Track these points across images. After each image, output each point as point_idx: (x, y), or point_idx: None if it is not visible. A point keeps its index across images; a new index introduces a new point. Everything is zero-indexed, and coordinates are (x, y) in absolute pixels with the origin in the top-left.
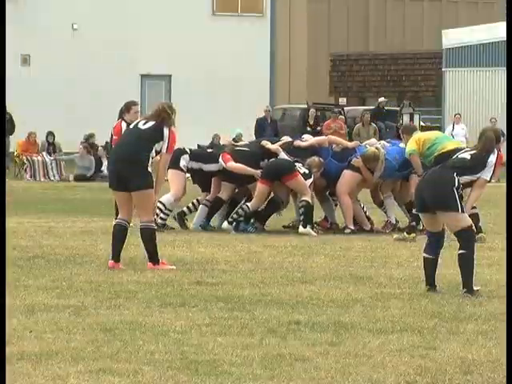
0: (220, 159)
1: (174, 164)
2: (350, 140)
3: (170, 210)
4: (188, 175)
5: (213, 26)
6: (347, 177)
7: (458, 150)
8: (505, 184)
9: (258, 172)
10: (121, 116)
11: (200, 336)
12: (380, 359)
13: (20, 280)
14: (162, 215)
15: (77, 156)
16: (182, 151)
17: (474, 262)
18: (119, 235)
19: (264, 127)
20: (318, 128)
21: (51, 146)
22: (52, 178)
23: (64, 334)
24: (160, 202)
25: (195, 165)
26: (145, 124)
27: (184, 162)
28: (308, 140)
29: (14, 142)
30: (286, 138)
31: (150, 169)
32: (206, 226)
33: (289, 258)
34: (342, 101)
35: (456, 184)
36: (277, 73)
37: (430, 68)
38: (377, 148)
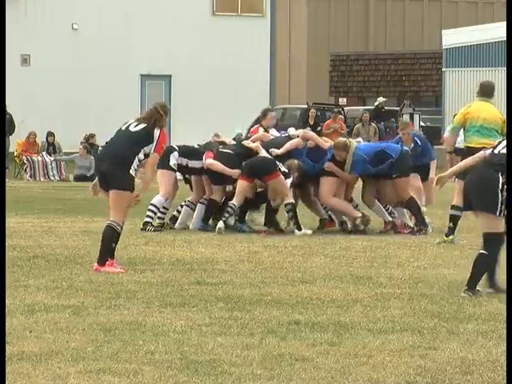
0: (203, 157)
1: (163, 163)
2: None
3: (167, 209)
4: (180, 177)
5: (213, 26)
6: (325, 184)
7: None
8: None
9: (235, 172)
10: (257, 121)
11: (200, 336)
12: (380, 359)
13: (20, 280)
14: (159, 214)
15: (77, 156)
16: (170, 149)
17: (490, 267)
18: (107, 237)
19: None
20: (318, 128)
21: (51, 146)
22: (52, 178)
23: (64, 334)
24: (152, 205)
25: (184, 161)
26: (136, 126)
27: (174, 160)
28: (290, 134)
29: (14, 142)
30: (271, 132)
31: (132, 172)
32: (204, 227)
33: (289, 258)
34: (342, 101)
35: (500, 186)
36: (277, 73)
37: (430, 68)
38: (349, 140)
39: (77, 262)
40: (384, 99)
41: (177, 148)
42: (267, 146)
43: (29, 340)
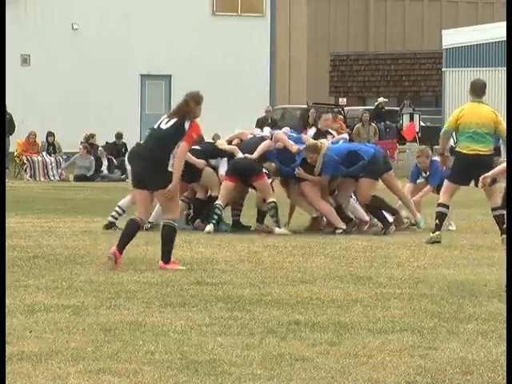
0: None
1: None
2: (351, 140)
3: (123, 211)
4: None
5: (213, 26)
6: (306, 188)
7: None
8: (504, 184)
9: (200, 162)
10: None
11: (200, 336)
12: (380, 359)
13: (20, 280)
14: (113, 213)
15: (77, 156)
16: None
17: None
18: (129, 230)
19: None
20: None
21: (51, 146)
22: (52, 178)
23: (64, 334)
24: (119, 207)
25: None
26: (167, 123)
27: None
28: (263, 135)
29: (14, 142)
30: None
31: (171, 168)
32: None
33: (289, 258)
34: (342, 101)
35: None
36: (277, 73)
37: (430, 68)
38: (321, 142)
39: (77, 261)
40: (385, 99)
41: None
42: (242, 148)
43: (29, 340)
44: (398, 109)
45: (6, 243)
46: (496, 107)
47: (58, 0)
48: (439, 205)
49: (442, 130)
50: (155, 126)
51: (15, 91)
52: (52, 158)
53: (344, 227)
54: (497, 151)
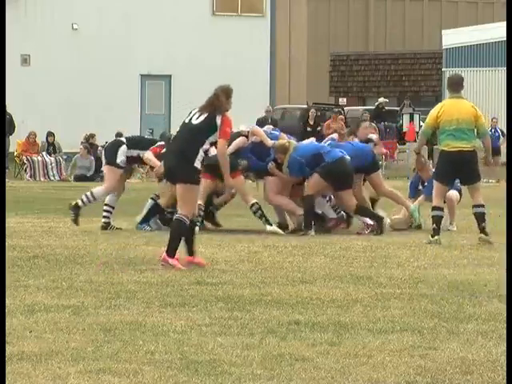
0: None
1: (111, 160)
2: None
3: (112, 207)
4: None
5: (213, 26)
6: (270, 183)
7: None
8: (504, 184)
9: (158, 164)
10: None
11: (200, 336)
12: (380, 359)
13: (20, 280)
14: (86, 200)
15: (77, 156)
16: (117, 143)
17: None
18: (180, 232)
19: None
20: (318, 128)
21: (51, 146)
22: (52, 178)
23: (64, 334)
24: (92, 192)
25: (134, 152)
26: (198, 118)
27: (122, 156)
28: (240, 130)
29: (14, 142)
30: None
31: (198, 164)
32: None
33: (289, 258)
34: (342, 101)
35: None
36: (277, 73)
37: (430, 68)
38: (289, 142)
39: (77, 261)
40: (385, 100)
41: (125, 141)
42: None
43: (29, 340)
44: (397, 109)
45: (6, 243)
46: (495, 107)
47: (57, 0)
48: (434, 208)
49: (422, 130)
50: (186, 121)
51: (15, 91)
52: (52, 158)
53: (300, 213)
54: (497, 150)
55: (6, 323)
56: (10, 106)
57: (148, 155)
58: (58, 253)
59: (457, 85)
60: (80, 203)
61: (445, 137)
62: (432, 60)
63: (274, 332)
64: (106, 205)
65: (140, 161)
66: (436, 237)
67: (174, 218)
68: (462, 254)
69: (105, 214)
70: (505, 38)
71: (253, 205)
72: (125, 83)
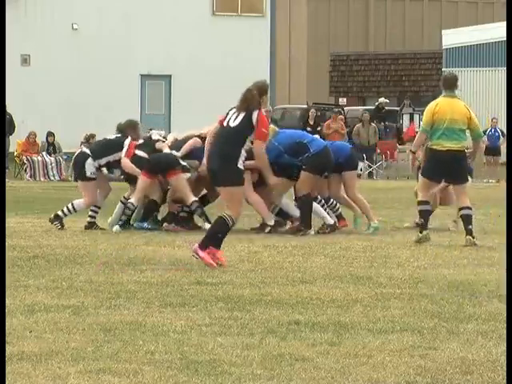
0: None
1: (81, 175)
2: (351, 141)
3: (99, 207)
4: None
5: (213, 26)
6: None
7: None
8: (504, 184)
9: (136, 170)
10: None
11: (200, 336)
12: (380, 359)
13: (20, 280)
14: (66, 212)
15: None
16: (82, 156)
17: None
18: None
19: None
20: (318, 128)
21: (51, 146)
22: (52, 178)
23: (64, 334)
24: (72, 204)
25: (102, 161)
26: (235, 119)
27: (90, 168)
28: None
29: (14, 142)
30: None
31: (241, 165)
32: (141, 226)
33: (289, 258)
34: (342, 101)
35: None
36: (277, 73)
37: (430, 68)
38: (270, 128)
39: (77, 261)
40: (385, 100)
41: (89, 153)
42: (175, 146)
43: (29, 340)
44: (398, 109)
45: (6, 243)
46: (495, 107)
47: (57, 0)
48: (419, 203)
49: (421, 128)
50: (224, 124)
51: (15, 91)
52: (52, 158)
53: (272, 224)
54: (497, 150)
55: (6, 323)
56: (10, 106)
57: (125, 164)
58: (57, 253)
59: (452, 84)
60: (60, 213)
61: (437, 136)
62: (432, 60)
63: (274, 332)
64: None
65: (113, 165)
66: (425, 232)
67: (221, 215)
68: (461, 254)
69: (91, 213)
70: (505, 38)
71: (192, 203)
72: (125, 83)
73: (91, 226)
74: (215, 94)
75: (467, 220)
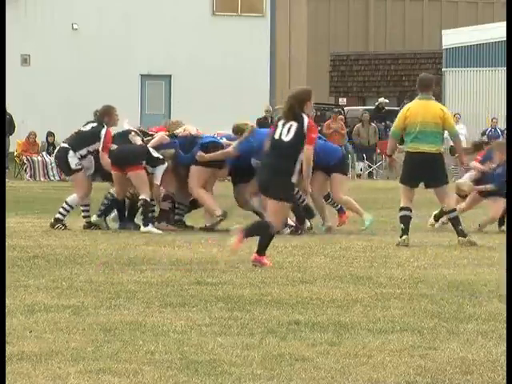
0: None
1: (66, 170)
2: (351, 141)
3: (88, 205)
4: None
5: (213, 26)
6: (193, 174)
7: None
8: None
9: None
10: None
11: (200, 336)
12: (380, 359)
13: (20, 280)
14: (64, 212)
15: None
16: (63, 151)
17: None
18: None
19: (264, 127)
20: (318, 128)
21: (51, 146)
22: (52, 178)
23: (64, 334)
24: (66, 203)
25: (83, 152)
26: (288, 133)
27: (74, 160)
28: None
29: (14, 142)
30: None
31: (294, 179)
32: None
33: (289, 258)
34: (342, 101)
35: None
36: (277, 73)
37: (430, 68)
38: (247, 124)
39: (77, 261)
40: (385, 100)
41: (68, 146)
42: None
43: (29, 340)
44: (398, 109)
45: (6, 243)
46: (495, 107)
47: (57, 0)
48: (401, 209)
49: (391, 131)
50: (276, 136)
51: (15, 91)
52: (52, 158)
53: (221, 213)
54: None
55: (6, 323)
56: (10, 106)
57: (103, 158)
58: (58, 253)
59: (426, 86)
60: (59, 216)
61: (409, 139)
62: (432, 60)
63: (274, 332)
64: (66, 203)
65: (92, 155)
66: (404, 236)
67: (266, 220)
68: (461, 254)
69: (61, 210)
70: (505, 38)
71: (140, 199)
72: (125, 83)
73: (57, 222)
74: (215, 93)
75: (456, 222)
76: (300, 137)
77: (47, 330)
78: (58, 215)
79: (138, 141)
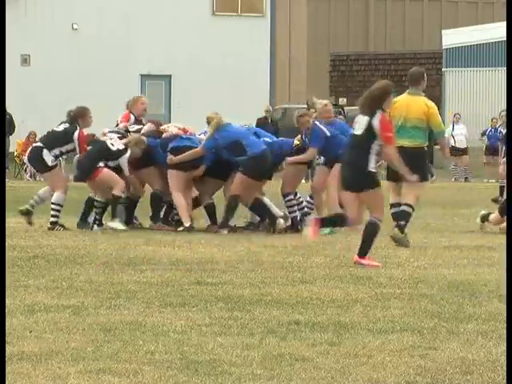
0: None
1: (42, 168)
2: None
3: (61, 205)
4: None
5: (213, 26)
6: (170, 177)
7: None
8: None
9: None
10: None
11: (200, 336)
12: (380, 359)
13: (20, 280)
14: (57, 213)
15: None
16: (37, 151)
17: None
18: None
19: (264, 127)
20: None
21: None
22: None
23: (64, 334)
24: (54, 204)
25: (57, 151)
26: (359, 127)
27: (49, 157)
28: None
29: (14, 142)
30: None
31: (373, 168)
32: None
33: (289, 258)
34: (342, 101)
35: None
36: (277, 73)
37: (430, 68)
38: (216, 117)
39: (77, 261)
40: None
41: (42, 145)
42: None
43: (29, 340)
44: None
45: (6, 243)
46: (495, 107)
47: (57, 0)
48: (391, 206)
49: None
50: (355, 132)
51: (15, 91)
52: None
53: (187, 225)
54: (497, 151)
55: (6, 323)
56: (10, 106)
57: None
58: (58, 253)
59: (415, 80)
60: (54, 219)
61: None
62: (432, 60)
63: (274, 332)
64: (37, 195)
65: (70, 153)
66: (396, 230)
67: (368, 221)
68: (461, 254)
69: (31, 201)
70: (505, 38)
71: (106, 198)
72: (125, 83)
73: (27, 213)
74: (215, 93)
75: (403, 216)
76: (369, 132)
77: (47, 329)
78: (52, 219)
79: (116, 146)
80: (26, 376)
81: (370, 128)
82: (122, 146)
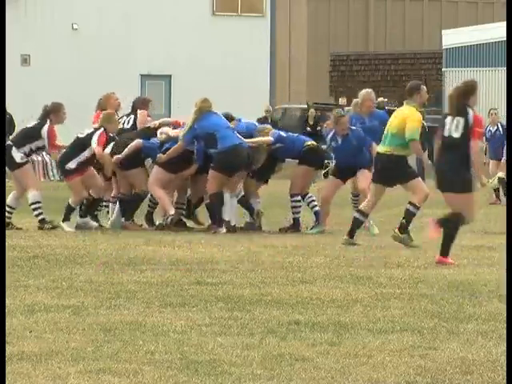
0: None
1: (12, 165)
2: None
3: (40, 202)
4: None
5: (213, 26)
6: (153, 173)
7: None
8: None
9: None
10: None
11: (200, 336)
12: (380, 359)
13: (20, 280)
14: (39, 211)
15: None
16: (7, 148)
17: None
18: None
19: None
20: (318, 128)
21: None
22: (52, 178)
23: (64, 334)
24: (32, 204)
25: (26, 148)
26: (456, 129)
27: (18, 155)
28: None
29: None
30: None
31: (470, 171)
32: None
33: (289, 258)
34: (342, 101)
35: None
36: (277, 73)
37: (430, 68)
38: (198, 109)
39: (77, 261)
40: (384, 99)
41: (11, 143)
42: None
43: (29, 340)
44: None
45: (6, 243)
46: (496, 107)
47: (57, 0)
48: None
49: None
50: (445, 134)
51: (15, 91)
52: (52, 158)
53: (172, 213)
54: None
55: (6, 323)
56: (10, 106)
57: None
58: (58, 253)
59: (408, 92)
60: (40, 217)
61: None
62: (432, 60)
63: (274, 332)
64: (8, 206)
65: (40, 149)
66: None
67: (451, 221)
68: (462, 253)
69: (7, 214)
70: (505, 38)
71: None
72: (125, 83)
73: (8, 225)
74: (215, 94)
75: (406, 216)
76: (467, 134)
77: (47, 329)
78: (39, 217)
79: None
80: (26, 376)
81: (467, 127)
82: (81, 134)
